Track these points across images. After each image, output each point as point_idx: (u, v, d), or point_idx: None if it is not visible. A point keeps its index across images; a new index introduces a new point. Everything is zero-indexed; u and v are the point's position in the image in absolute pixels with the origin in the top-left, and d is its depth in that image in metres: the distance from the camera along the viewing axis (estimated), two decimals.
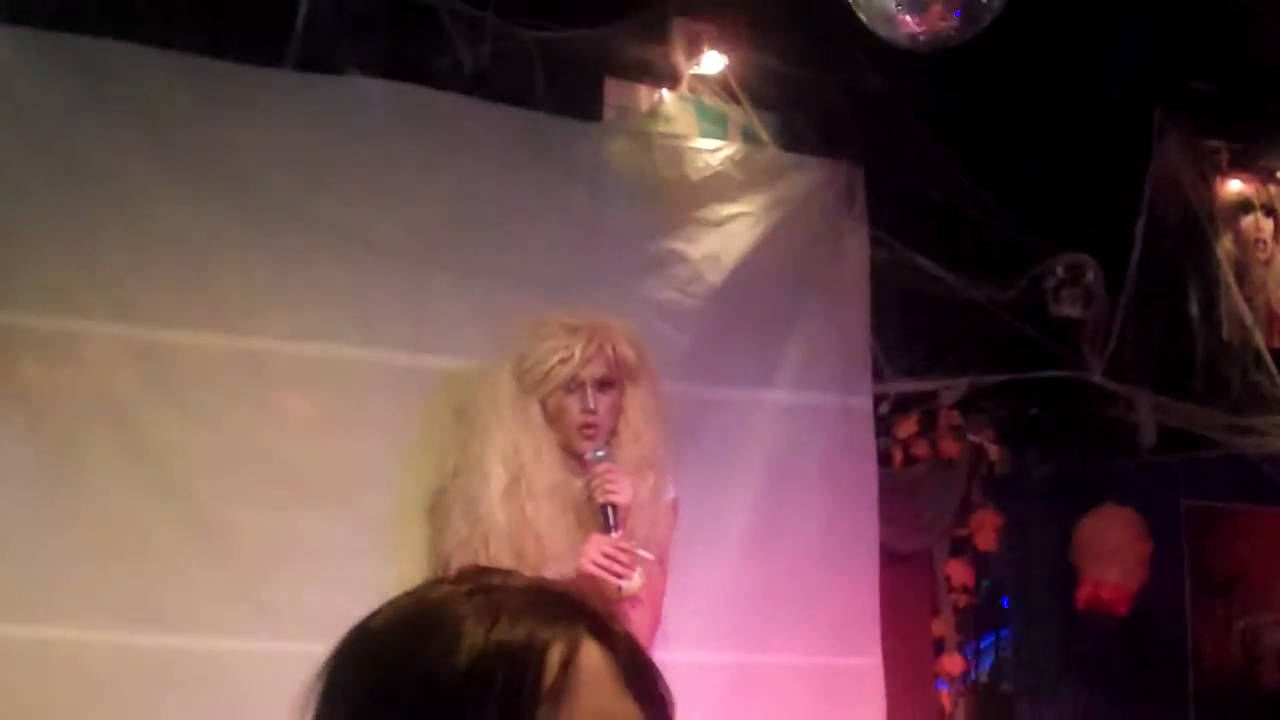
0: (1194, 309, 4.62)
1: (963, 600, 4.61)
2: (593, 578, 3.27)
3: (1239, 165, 4.75)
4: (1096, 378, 4.51)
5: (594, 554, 3.34)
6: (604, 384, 3.52)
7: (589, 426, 3.50)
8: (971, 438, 4.62)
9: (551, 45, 3.90)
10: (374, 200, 3.78)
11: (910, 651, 4.44)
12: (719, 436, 4.11)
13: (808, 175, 4.36)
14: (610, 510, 3.40)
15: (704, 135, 4.26)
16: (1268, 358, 4.55)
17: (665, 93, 4.23)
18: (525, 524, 3.43)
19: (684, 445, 3.83)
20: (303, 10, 3.65)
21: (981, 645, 4.74)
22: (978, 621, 4.71)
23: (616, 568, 3.33)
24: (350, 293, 3.73)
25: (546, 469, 3.48)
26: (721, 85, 4.22)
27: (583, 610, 0.99)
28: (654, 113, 4.23)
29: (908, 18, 3.55)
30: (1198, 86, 4.44)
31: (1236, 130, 4.66)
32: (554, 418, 3.51)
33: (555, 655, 0.94)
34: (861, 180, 4.41)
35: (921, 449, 4.59)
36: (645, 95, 4.23)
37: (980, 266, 4.47)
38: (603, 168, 4.10)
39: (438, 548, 3.57)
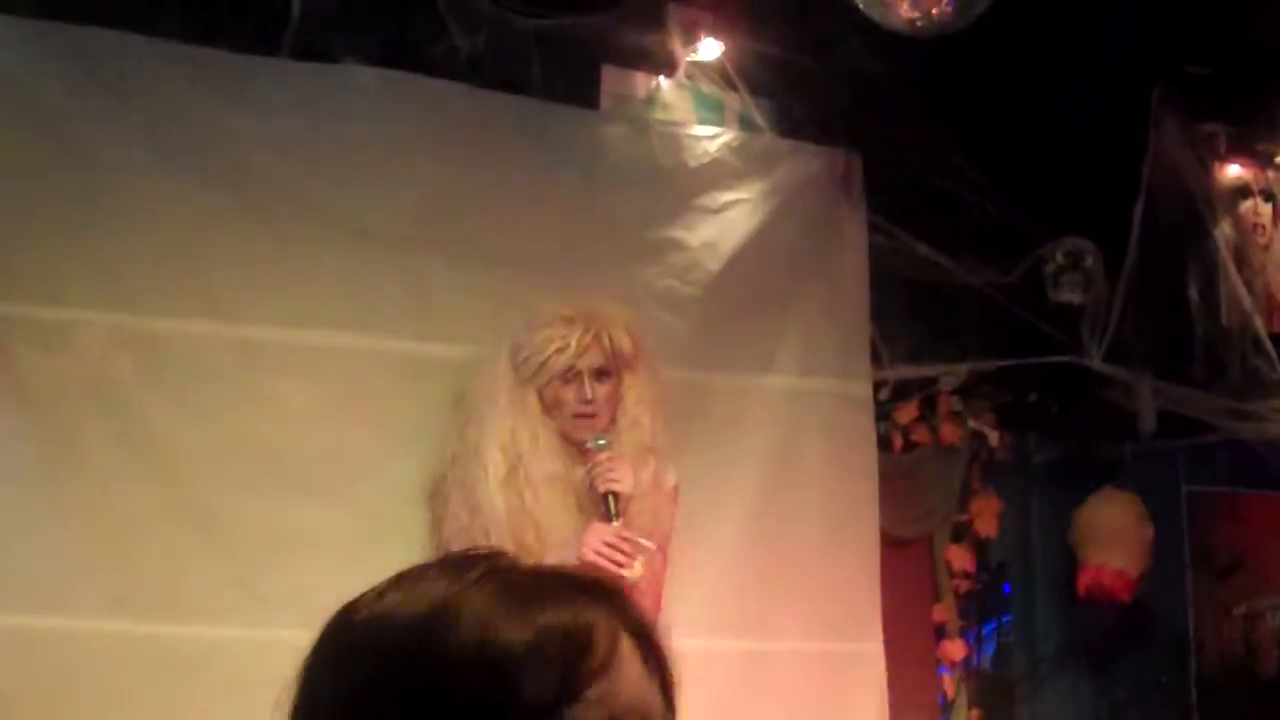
0: (1193, 294, 4.60)
1: (964, 586, 4.60)
2: (594, 567, 3.27)
3: (1237, 149, 4.73)
4: (1096, 363, 4.50)
5: (595, 543, 3.35)
6: (601, 373, 3.52)
7: (586, 416, 3.49)
8: (972, 423, 4.62)
9: (548, 32, 3.89)
10: (370, 188, 3.77)
11: (911, 637, 4.44)
12: (719, 423, 4.11)
13: (805, 162, 4.35)
14: (612, 499, 3.40)
15: (701, 122, 4.25)
16: (1267, 342, 4.54)
17: (662, 80, 4.22)
18: (525, 512, 3.43)
19: (684, 432, 3.83)
20: None
21: (983, 631, 4.74)
22: (979, 607, 4.70)
23: (618, 557, 3.33)
24: (347, 280, 3.72)
25: (545, 457, 3.48)
26: (719, 72, 4.21)
27: (612, 593, 1.02)
28: (651, 100, 4.22)
29: (904, 3, 3.55)
30: (1195, 70, 4.42)
31: (1234, 114, 4.64)
32: (551, 407, 3.51)
33: (602, 635, 0.97)
34: (859, 166, 4.40)
35: (922, 435, 4.58)
36: (642, 82, 4.22)
37: (979, 252, 4.46)
38: (600, 155, 4.09)
39: (437, 535, 3.57)
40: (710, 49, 4.16)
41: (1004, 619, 4.84)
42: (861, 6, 3.57)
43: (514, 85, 3.94)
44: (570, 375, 3.49)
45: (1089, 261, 4.55)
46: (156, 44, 3.58)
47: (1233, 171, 4.75)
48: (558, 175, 4.02)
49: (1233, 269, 4.59)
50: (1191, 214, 4.55)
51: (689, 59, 4.18)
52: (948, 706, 4.54)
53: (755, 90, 4.23)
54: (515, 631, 0.94)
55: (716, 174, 4.20)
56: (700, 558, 3.87)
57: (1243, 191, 4.77)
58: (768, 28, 4.14)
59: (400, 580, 1.02)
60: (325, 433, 3.66)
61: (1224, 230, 4.63)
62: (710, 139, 4.22)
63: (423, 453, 3.66)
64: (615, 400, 3.55)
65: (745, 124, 4.28)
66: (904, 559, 4.48)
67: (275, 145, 3.69)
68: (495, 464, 3.43)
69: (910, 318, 4.50)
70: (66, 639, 3.35)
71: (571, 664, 0.94)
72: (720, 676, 3.90)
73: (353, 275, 3.73)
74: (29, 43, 3.48)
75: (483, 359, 3.62)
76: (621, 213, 4.08)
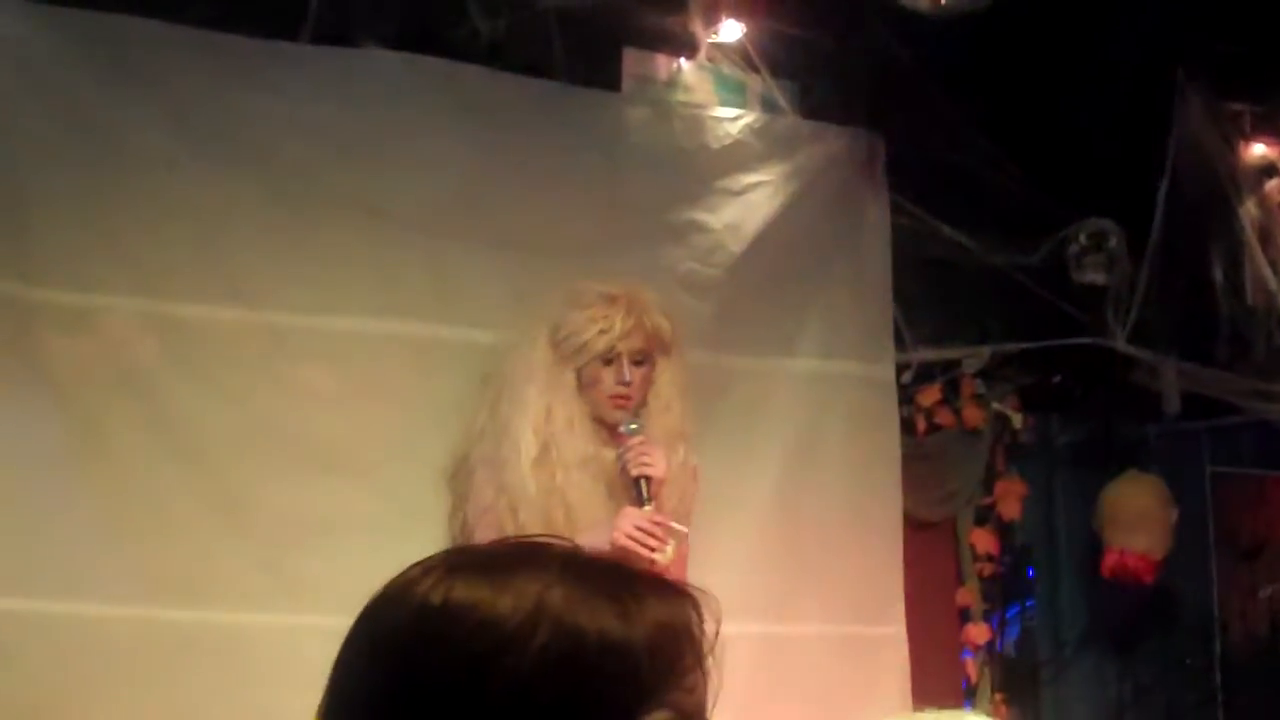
0: (1218, 274, 4.57)
1: (987, 569, 4.59)
2: (626, 550, 3.27)
3: (1262, 128, 4.69)
4: (1120, 344, 4.48)
5: (628, 527, 3.36)
6: (639, 356, 3.52)
7: (622, 398, 3.50)
8: (995, 405, 4.60)
9: (569, 15, 3.88)
10: (392, 172, 3.77)
11: (935, 621, 4.43)
12: (742, 406, 4.10)
13: (828, 143, 4.33)
14: (644, 483, 3.41)
15: (723, 104, 4.23)
16: None
17: (684, 62, 4.20)
18: (555, 493, 3.44)
19: (706, 415, 3.83)
20: None
21: (1007, 614, 4.73)
22: (1003, 590, 4.69)
23: (651, 541, 3.35)
24: (369, 264, 3.73)
25: (579, 439, 3.49)
26: (740, 53, 4.19)
27: (692, 593, 1.04)
28: (673, 82, 4.21)
29: None
30: (1221, 48, 4.38)
31: (1260, 93, 4.61)
32: (587, 387, 3.52)
33: (697, 632, 1.01)
34: (882, 147, 4.39)
35: (945, 417, 4.57)
36: (664, 64, 4.20)
37: (1002, 233, 4.43)
38: (622, 138, 4.08)
39: (459, 512, 3.58)
40: (731, 30, 4.15)
41: (1028, 602, 4.82)
42: None
43: (535, 68, 3.93)
44: (611, 357, 3.50)
45: (1113, 242, 4.53)
46: (180, 30, 3.57)
47: (1258, 150, 4.71)
48: (579, 158, 4.01)
49: (1258, 249, 4.56)
50: (1216, 193, 4.52)
51: (710, 40, 4.16)
52: (971, 690, 4.52)
53: (777, 72, 4.21)
54: (626, 629, 0.97)
55: (739, 156, 4.19)
56: (722, 541, 3.87)
57: (1268, 170, 4.73)
58: (789, 8, 4.12)
59: (460, 567, 1.01)
60: (350, 417, 3.66)
61: (1249, 210, 4.60)
62: (732, 121, 4.21)
63: (448, 436, 3.67)
64: (648, 384, 3.56)
65: (767, 105, 4.27)
66: (927, 542, 4.48)
67: (299, 131, 3.69)
68: (528, 443, 3.45)
69: (933, 300, 4.48)
70: (93, 624, 3.37)
71: (676, 659, 0.98)
72: (743, 659, 3.89)
73: (376, 260, 3.73)
74: (54, 29, 3.48)
75: (509, 341, 3.62)
76: (643, 195, 4.06)
